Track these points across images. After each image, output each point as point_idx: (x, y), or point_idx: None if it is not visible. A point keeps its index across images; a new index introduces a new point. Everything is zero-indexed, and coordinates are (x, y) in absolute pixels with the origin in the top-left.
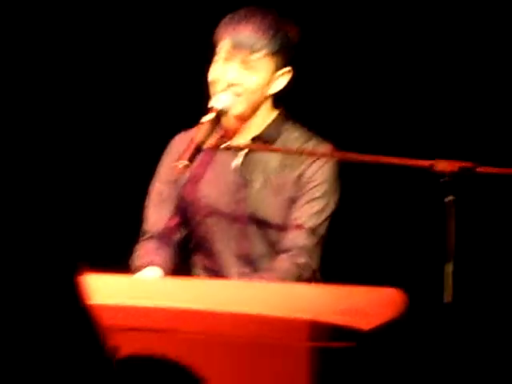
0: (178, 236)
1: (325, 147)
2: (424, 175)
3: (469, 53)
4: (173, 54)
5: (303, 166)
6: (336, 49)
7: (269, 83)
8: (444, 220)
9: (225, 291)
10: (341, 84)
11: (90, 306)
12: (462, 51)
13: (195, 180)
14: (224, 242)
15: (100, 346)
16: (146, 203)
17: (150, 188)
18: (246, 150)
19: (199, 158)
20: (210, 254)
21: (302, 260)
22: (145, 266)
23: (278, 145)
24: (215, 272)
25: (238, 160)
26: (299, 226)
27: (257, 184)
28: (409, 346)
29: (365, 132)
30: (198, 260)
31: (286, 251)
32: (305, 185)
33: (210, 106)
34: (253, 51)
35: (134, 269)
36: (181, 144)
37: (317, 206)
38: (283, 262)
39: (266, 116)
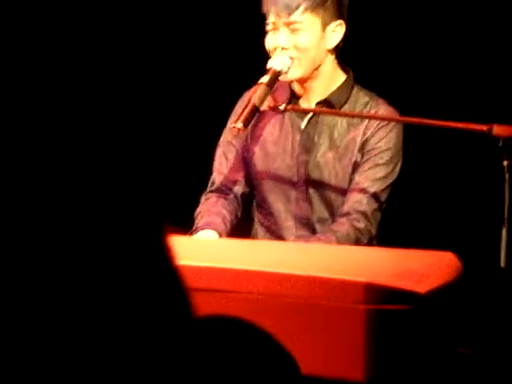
0: (240, 190)
1: (391, 113)
2: (483, 139)
3: None
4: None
5: (369, 132)
6: (396, 16)
7: (321, 40)
8: (502, 184)
9: (282, 253)
10: (399, 49)
11: (178, 265)
12: None
13: (259, 140)
14: (283, 204)
15: (188, 306)
16: (216, 154)
17: (220, 139)
18: (312, 113)
19: (266, 118)
20: (269, 213)
21: (361, 225)
22: (202, 228)
23: (344, 109)
24: (274, 232)
25: (304, 123)
26: (361, 191)
27: (322, 147)
28: (464, 310)
29: (424, 97)
30: (259, 218)
31: (345, 215)
32: (370, 150)
33: (268, 67)
34: (292, 11)
35: (195, 228)
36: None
37: (380, 172)
38: (342, 226)
39: (334, 80)
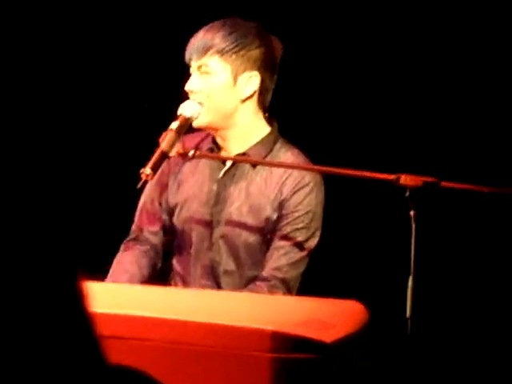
0: (158, 240)
1: (310, 172)
2: (391, 189)
3: (427, 71)
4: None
5: (287, 191)
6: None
7: (232, 88)
8: (409, 234)
9: (190, 300)
10: (309, 99)
11: (92, 312)
12: (422, 71)
13: (179, 186)
14: (196, 252)
15: (99, 352)
16: (138, 203)
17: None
18: (231, 163)
19: (187, 165)
20: (183, 260)
21: (279, 292)
22: (112, 277)
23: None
24: (185, 280)
25: (221, 173)
26: (280, 257)
27: (237, 200)
28: (369, 359)
29: (332, 146)
30: (174, 264)
31: (264, 280)
32: (289, 213)
33: (178, 113)
34: (202, 54)
35: (109, 274)
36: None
37: (300, 236)
38: (261, 290)
39: (255, 132)
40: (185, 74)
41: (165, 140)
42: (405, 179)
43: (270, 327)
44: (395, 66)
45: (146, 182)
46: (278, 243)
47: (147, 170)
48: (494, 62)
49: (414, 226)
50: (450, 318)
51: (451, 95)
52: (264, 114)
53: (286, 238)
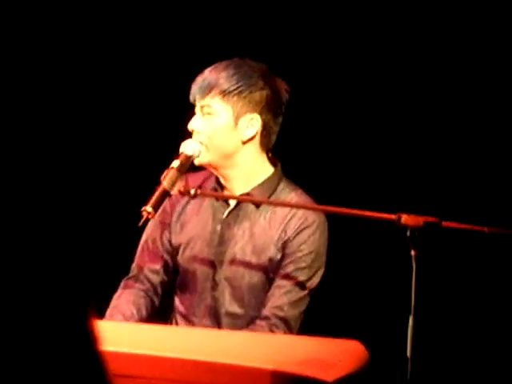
0: (158, 280)
1: (314, 212)
2: (392, 229)
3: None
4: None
5: (290, 232)
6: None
7: (232, 130)
8: (409, 274)
9: (190, 338)
10: (309, 139)
11: (102, 351)
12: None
13: (183, 226)
14: (198, 292)
15: None
16: (140, 241)
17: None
18: (235, 203)
19: (191, 204)
20: (186, 300)
21: (280, 331)
22: (110, 315)
23: (272, 205)
24: (188, 319)
25: (226, 213)
26: (282, 295)
27: (241, 241)
28: None
29: (332, 186)
30: (177, 305)
31: (265, 319)
32: (292, 253)
33: (180, 151)
34: (204, 95)
35: (107, 313)
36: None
37: (301, 276)
38: (262, 329)
39: (258, 173)
40: (189, 111)
41: (166, 178)
42: (406, 219)
43: (270, 366)
44: (394, 108)
45: (147, 220)
46: (279, 282)
47: (148, 208)
48: (496, 95)
49: (414, 265)
50: (451, 358)
51: (451, 135)
52: (267, 154)
53: (287, 277)
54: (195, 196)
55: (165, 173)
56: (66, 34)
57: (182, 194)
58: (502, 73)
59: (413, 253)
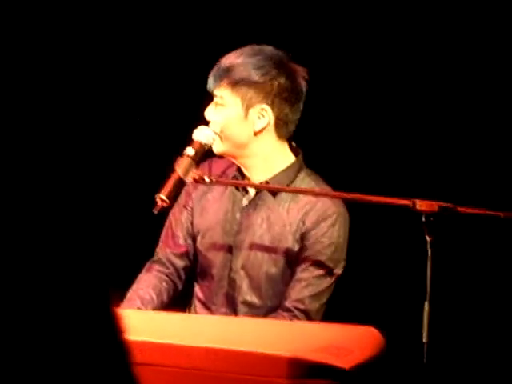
0: (182, 264)
1: (333, 204)
2: (407, 214)
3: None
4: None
5: (309, 222)
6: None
7: (243, 120)
8: (425, 259)
9: (208, 326)
10: (325, 126)
11: (126, 339)
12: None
13: (203, 211)
14: (216, 280)
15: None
16: (165, 225)
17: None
18: (255, 192)
19: (214, 190)
20: (205, 287)
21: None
22: (130, 299)
23: (288, 192)
24: (207, 307)
25: (246, 200)
26: (303, 288)
27: (260, 229)
28: None
29: (349, 171)
30: (196, 290)
31: (287, 310)
32: (312, 244)
33: (193, 137)
34: (216, 86)
35: (127, 296)
36: (203, 171)
37: (322, 269)
38: (284, 320)
39: (277, 162)
40: (206, 97)
41: (180, 166)
42: (421, 205)
43: (287, 353)
44: (410, 95)
45: (162, 208)
46: (300, 275)
47: (163, 197)
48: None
49: (429, 251)
50: (467, 343)
51: (467, 123)
52: (288, 143)
53: (308, 269)
54: (211, 184)
55: (179, 160)
56: (75, 24)
57: (197, 181)
58: None
59: (428, 238)
